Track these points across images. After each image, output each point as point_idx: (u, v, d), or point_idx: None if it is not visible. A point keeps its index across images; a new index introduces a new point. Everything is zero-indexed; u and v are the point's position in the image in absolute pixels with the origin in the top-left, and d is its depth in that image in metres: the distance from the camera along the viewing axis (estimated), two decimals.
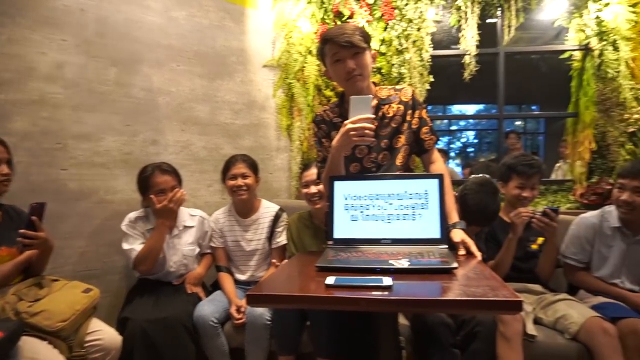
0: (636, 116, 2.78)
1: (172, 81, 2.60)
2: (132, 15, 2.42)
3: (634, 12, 2.81)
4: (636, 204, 1.88)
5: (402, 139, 1.60)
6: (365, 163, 1.60)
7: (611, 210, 2.04)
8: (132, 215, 2.17)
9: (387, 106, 1.59)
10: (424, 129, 1.63)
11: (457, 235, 1.44)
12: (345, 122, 1.32)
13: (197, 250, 2.29)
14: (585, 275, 2.07)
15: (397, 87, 1.66)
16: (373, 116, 1.32)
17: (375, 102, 1.57)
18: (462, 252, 1.39)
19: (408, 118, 1.60)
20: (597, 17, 2.86)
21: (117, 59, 2.37)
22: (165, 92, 2.57)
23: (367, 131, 1.28)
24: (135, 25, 2.43)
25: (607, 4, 2.83)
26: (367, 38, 1.51)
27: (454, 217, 1.51)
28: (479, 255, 1.36)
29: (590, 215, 2.10)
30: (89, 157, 2.27)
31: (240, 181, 2.21)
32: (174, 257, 2.19)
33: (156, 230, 2.07)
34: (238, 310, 2.05)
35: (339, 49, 1.46)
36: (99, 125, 2.30)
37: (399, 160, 1.59)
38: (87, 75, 2.26)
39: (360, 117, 1.29)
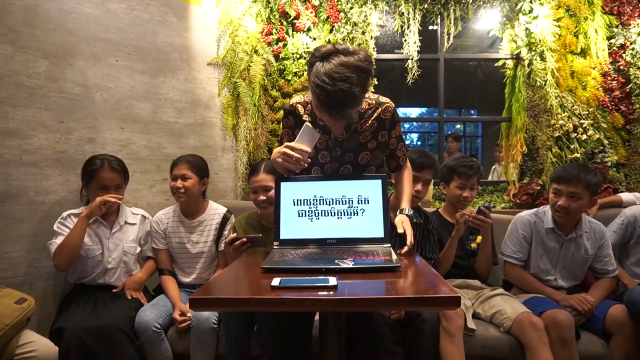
0: (561, 122, 3.01)
1: (110, 77, 2.47)
2: (66, 5, 2.28)
3: (558, 26, 3.04)
4: (571, 209, 2.00)
5: (368, 157, 1.55)
6: (327, 170, 1.57)
7: (545, 211, 2.16)
8: (65, 213, 2.07)
9: (362, 121, 1.50)
10: (400, 145, 1.62)
11: (399, 217, 1.47)
12: (286, 144, 1.34)
13: (138, 249, 2.22)
14: (522, 273, 2.17)
15: (381, 99, 1.53)
16: (311, 152, 1.34)
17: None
18: (400, 230, 1.42)
19: (380, 139, 1.54)
20: (527, 29, 3.08)
21: (48, 51, 2.22)
22: (103, 88, 2.44)
23: (300, 162, 1.31)
24: (69, 16, 2.29)
25: (535, 17, 3.04)
26: (366, 84, 1.29)
27: (404, 203, 1.56)
28: (410, 236, 1.40)
29: (527, 213, 2.21)
30: (16, 155, 2.11)
31: (179, 183, 2.15)
32: (114, 254, 2.11)
33: (77, 223, 1.99)
34: (182, 314, 2.00)
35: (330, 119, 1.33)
36: (28, 121, 2.14)
37: None
38: (13, 67, 2.10)
39: (302, 147, 1.31)
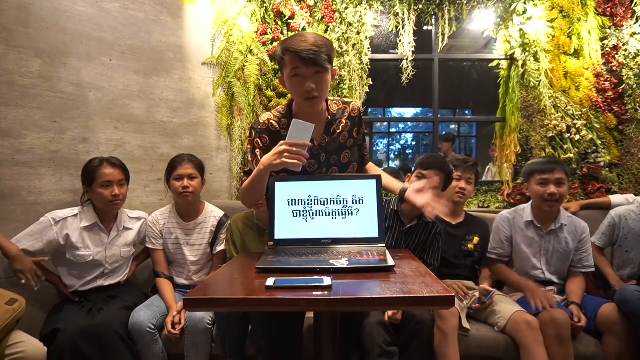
0: (555, 122, 3.02)
1: (104, 76, 2.46)
2: (60, 4, 2.27)
3: (551, 27, 3.06)
4: (560, 194, 2.05)
5: (349, 155, 1.57)
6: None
7: (525, 207, 2.23)
8: (49, 215, 2.01)
9: (337, 121, 1.53)
10: (365, 142, 1.69)
11: (413, 188, 1.48)
12: (282, 142, 1.29)
13: (133, 251, 2.21)
14: (503, 268, 2.22)
15: (346, 100, 1.60)
16: (310, 144, 1.32)
17: (327, 118, 1.52)
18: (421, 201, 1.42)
19: (354, 134, 1.58)
20: (521, 30, 3.09)
21: (41, 50, 2.20)
22: (97, 87, 2.43)
23: (301, 157, 1.27)
24: (63, 15, 2.28)
25: (529, 18, 3.06)
26: (332, 55, 1.37)
27: (396, 184, 1.58)
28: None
29: (506, 211, 2.29)
30: (9, 154, 2.10)
31: (187, 182, 2.14)
32: (111, 259, 2.10)
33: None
34: (173, 325, 1.97)
35: (300, 64, 1.32)
36: (21, 121, 2.13)
37: None
38: (6, 66, 2.09)
39: (298, 142, 1.28)
